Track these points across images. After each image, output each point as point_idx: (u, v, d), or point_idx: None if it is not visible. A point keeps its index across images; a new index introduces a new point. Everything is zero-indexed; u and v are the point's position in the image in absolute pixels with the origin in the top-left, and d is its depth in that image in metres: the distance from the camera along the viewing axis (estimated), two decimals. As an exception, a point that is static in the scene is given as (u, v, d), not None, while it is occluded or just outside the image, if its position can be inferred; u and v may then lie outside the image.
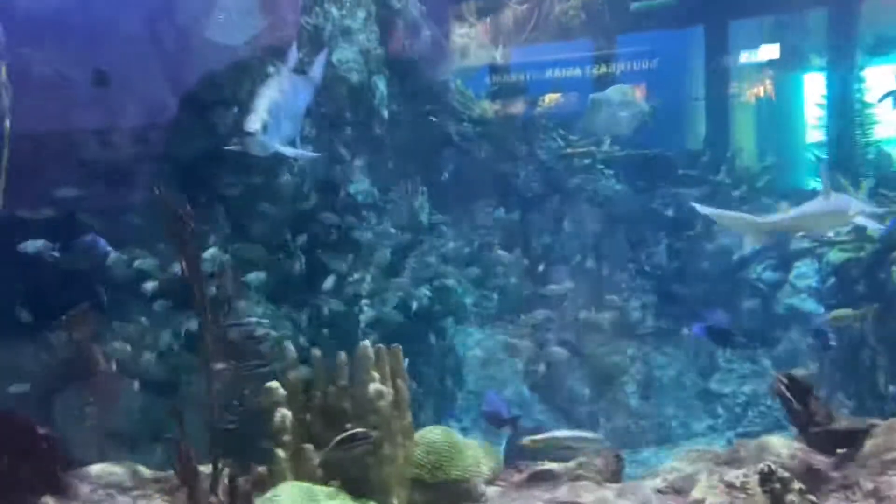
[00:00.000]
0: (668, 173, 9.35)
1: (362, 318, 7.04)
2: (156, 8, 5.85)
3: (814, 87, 9.86)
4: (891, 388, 6.10)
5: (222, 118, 5.98)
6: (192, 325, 4.70)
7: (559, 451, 3.45)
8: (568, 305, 8.65)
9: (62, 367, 4.67)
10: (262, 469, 2.98)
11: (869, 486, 2.70)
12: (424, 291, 7.70)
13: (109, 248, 4.85)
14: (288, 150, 4.77)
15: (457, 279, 8.25)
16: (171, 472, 3.22)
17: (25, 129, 4.83)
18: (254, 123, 4.28)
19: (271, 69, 5.93)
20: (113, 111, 5.78)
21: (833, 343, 5.85)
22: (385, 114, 7.79)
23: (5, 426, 2.45)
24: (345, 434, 2.63)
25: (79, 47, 5.53)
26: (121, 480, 3.13)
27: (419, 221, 8.19)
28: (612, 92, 7.84)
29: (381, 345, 3.00)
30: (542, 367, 8.27)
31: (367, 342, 2.96)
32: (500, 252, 8.76)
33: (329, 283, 6.32)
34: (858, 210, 4.99)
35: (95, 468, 3.12)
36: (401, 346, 3.09)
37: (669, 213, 9.09)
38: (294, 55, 5.35)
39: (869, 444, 2.91)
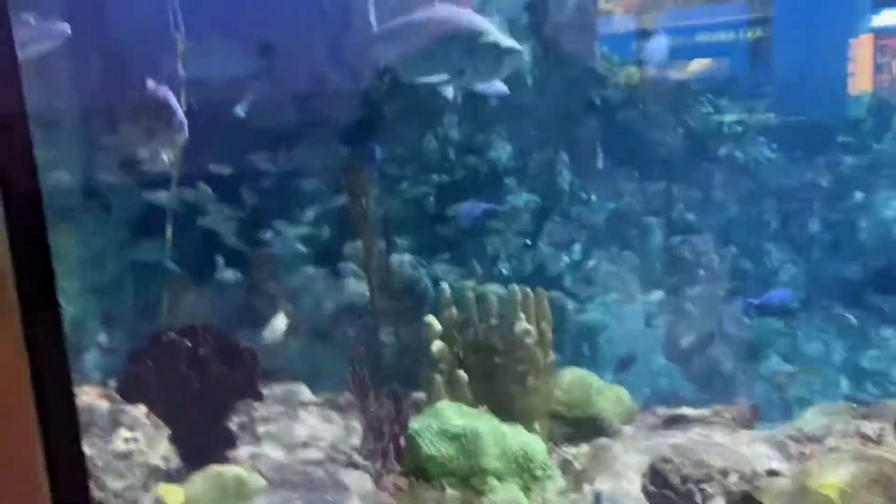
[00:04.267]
0: (826, 141, 8.93)
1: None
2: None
3: None
4: None
5: (376, 84, 6.45)
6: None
7: None
8: (710, 277, 8.55)
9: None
10: (420, 394, 3.37)
11: None
12: (563, 258, 7.90)
13: None
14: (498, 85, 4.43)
15: (596, 247, 8.37)
16: (343, 394, 3.71)
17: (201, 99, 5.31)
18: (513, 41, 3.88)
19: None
20: (280, 81, 6.31)
21: None
22: (529, 81, 7.97)
23: (220, 340, 2.97)
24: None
25: (248, 20, 6.06)
26: (301, 398, 3.63)
27: (560, 189, 8.34)
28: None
29: (528, 289, 3.28)
30: (686, 340, 8.24)
31: (515, 286, 3.26)
32: (645, 220, 8.75)
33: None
34: None
35: (280, 386, 3.64)
36: (546, 292, 3.36)
37: (825, 183, 8.71)
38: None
39: None
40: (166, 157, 3.66)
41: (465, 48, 3.91)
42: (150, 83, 3.21)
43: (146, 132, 3.20)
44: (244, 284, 5.15)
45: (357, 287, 4.74)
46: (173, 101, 3.12)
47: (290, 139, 6.09)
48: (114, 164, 5.54)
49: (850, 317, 7.70)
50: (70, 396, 1.17)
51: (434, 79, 4.22)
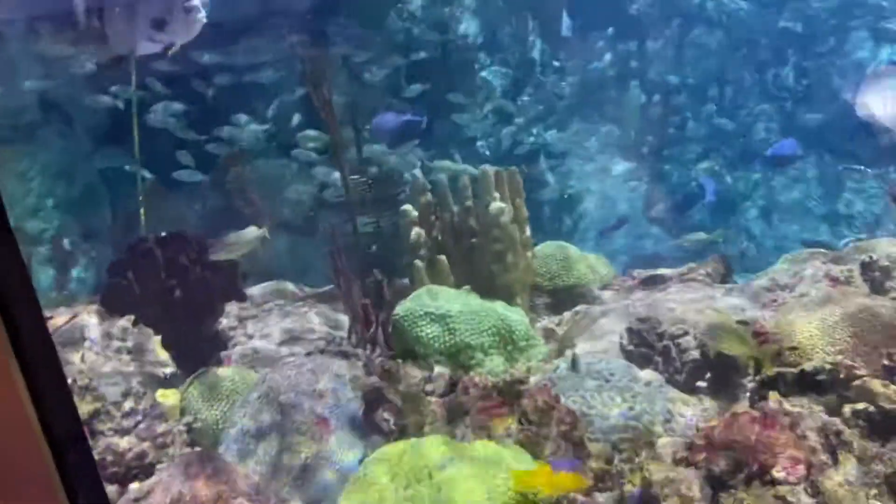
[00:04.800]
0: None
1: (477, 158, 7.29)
2: None
3: None
4: None
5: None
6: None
7: None
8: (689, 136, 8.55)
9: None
10: (403, 281, 3.42)
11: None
12: (539, 131, 7.83)
13: None
14: None
15: (571, 117, 8.28)
16: (326, 288, 3.77)
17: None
18: None
19: None
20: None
21: None
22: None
23: (197, 246, 2.98)
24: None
25: None
26: (286, 294, 3.68)
27: (531, 59, 8.14)
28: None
29: (500, 168, 3.28)
30: (661, 204, 8.31)
31: (487, 166, 3.25)
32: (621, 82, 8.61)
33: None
34: None
35: (265, 284, 3.69)
36: (518, 169, 3.36)
37: (798, 28, 8.54)
38: None
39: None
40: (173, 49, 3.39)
41: None
42: None
43: (155, 24, 3.00)
44: (216, 185, 5.11)
45: (329, 179, 4.72)
46: None
47: (244, 29, 5.85)
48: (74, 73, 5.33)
49: (862, 168, 7.73)
50: (43, 327, 1.18)
51: None
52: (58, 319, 2.75)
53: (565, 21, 8.44)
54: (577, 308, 3.34)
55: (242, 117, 5.24)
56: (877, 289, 2.77)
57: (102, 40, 3.03)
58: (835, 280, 2.99)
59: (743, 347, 2.27)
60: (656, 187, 8.41)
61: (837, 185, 8.10)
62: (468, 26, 7.45)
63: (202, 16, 2.86)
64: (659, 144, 8.53)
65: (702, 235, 6.49)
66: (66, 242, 5.55)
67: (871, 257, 2.83)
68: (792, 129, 8.35)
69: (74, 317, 2.82)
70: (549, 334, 3.20)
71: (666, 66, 8.81)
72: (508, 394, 2.22)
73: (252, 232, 2.99)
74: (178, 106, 4.87)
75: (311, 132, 4.55)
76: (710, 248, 7.78)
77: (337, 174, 4.09)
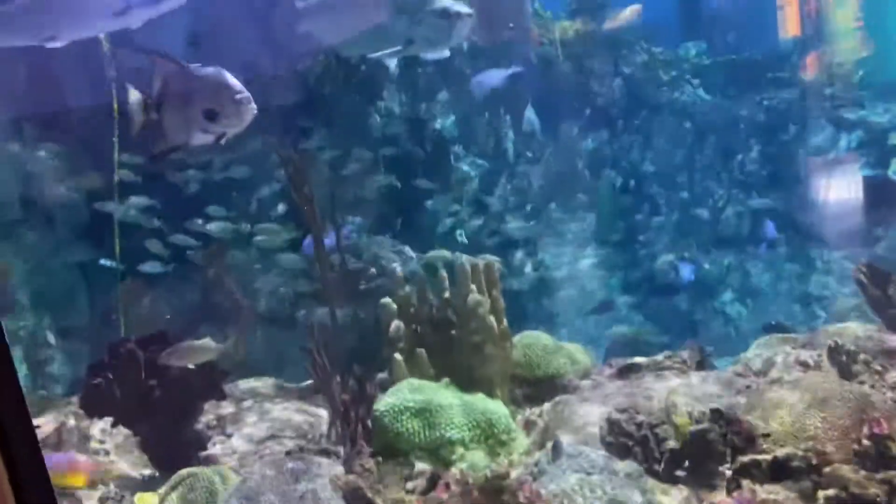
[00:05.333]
0: (757, 78, 9.14)
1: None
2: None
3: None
4: None
5: (312, 69, 6.38)
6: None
7: None
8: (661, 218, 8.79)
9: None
10: (383, 374, 3.44)
11: (938, 357, 2.89)
12: (516, 221, 8.01)
13: None
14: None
15: (546, 206, 8.49)
16: (306, 383, 3.77)
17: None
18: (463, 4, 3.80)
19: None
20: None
21: None
22: (465, 44, 7.96)
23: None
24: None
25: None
26: (265, 391, 3.68)
27: (504, 150, 8.40)
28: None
29: (476, 260, 3.36)
30: (638, 290, 8.45)
31: (464, 259, 3.33)
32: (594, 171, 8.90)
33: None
34: None
35: (244, 382, 3.69)
36: (495, 260, 3.45)
37: (760, 118, 8.94)
38: None
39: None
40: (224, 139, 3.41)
41: (412, 16, 3.80)
42: (198, 66, 3.06)
43: (208, 115, 3.01)
44: (197, 280, 5.15)
45: (309, 274, 4.78)
46: (231, 76, 2.97)
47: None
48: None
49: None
50: (30, 428, 1.20)
51: (380, 52, 4.15)
52: (44, 428, 2.73)
53: (534, 118, 8.76)
54: (557, 398, 3.37)
55: (221, 211, 5.33)
56: (844, 373, 2.84)
57: (160, 132, 3.09)
58: (805, 365, 3.06)
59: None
60: (632, 273, 8.57)
61: (808, 268, 8.30)
62: (444, 121, 7.72)
63: (253, 106, 2.93)
64: (633, 231, 8.74)
65: (623, 329, 6.77)
66: (42, 339, 5.51)
67: (836, 342, 2.91)
68: (759, 213, 8.62)
69: (60, 426, 2.81)
70: (529, 426, 3.21)
71: (636, 155, 9.13)
72: (490, 490, 2.23)
73: (207, 344, 3.00)
74: (148, 200, 4.97)
75: (270, 225, 4.63)
76: (688, 332, 7.88)
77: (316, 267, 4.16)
